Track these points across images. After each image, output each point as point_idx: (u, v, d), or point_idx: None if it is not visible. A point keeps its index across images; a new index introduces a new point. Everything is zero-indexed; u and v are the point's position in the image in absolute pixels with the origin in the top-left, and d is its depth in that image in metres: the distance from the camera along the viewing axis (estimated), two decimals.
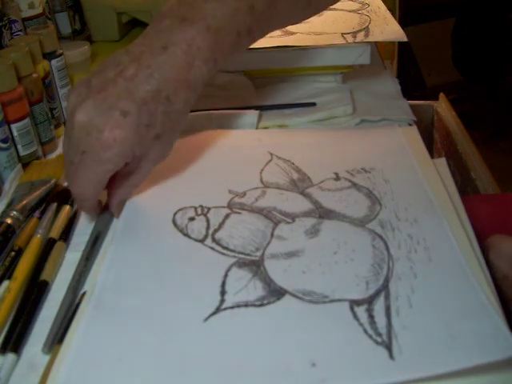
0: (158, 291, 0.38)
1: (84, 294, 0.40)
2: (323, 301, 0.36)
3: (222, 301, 0.37)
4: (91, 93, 0.41)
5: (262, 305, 0.36)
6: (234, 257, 0.40)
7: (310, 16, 0.54)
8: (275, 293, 0.37)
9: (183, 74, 0.42)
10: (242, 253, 0.41)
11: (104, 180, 0.43)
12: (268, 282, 0.38)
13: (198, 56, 0.42)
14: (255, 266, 0.39)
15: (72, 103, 0.42)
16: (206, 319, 0.35)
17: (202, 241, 0.42)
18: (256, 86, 0.69)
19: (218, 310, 0.36)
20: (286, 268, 0.39)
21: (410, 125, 0.58)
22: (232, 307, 0.36)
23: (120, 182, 0.46)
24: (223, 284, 0.38)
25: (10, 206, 0.49)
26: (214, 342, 0.34)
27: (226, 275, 0.39)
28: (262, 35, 0.48)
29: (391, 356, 0.32)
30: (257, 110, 0.62)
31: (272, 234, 0.42)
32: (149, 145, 0.43)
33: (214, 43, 0.43)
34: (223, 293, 0.37)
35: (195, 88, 0.43)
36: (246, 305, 0.36)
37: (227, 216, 0.45)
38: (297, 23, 0.54)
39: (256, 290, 0.37)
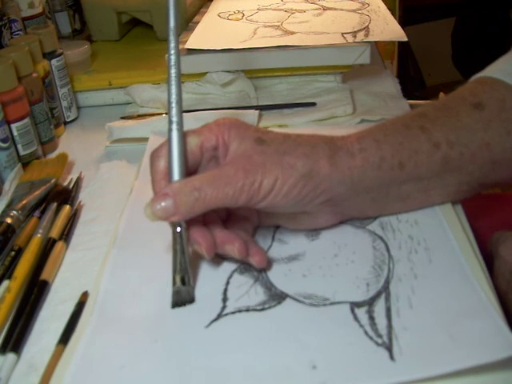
0: (160, 297, 0.38)
1: (85, 293, 0.40)
2: (324, 303, 0.36)
3: (224, 307, 0.37)
4: None
5: (263, 309, 0.36)
6: (236, 262, 0.40)
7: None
8: (276, 297, 0.37)
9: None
10: None
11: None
12: (269, 286, 0.38)
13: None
14: (256, 272, 0.39)
15: None
16: (208, 325, 0.35)
17: None
18: (256, 86, 0.69)
19: (219, 316, 0.36)
20: (287, 272, 0.39)
21: None
22: (233, 312, 0.36)
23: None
24: (225, 291, 0.38)
25: (10, 205, 0.49)
26: (215, 348, 0.34)
27: (227, 283, 0.39)
28: (452, 150, 0.40)
29: (392, 357, 0.32)
30: (257, 109, 0.63)
31: (273, 238, 0.42)
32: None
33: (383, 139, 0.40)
34: (225, 299, 0.37)
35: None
36: (247, 309, 0.36)
37: None
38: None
39: (257, 295, 0.37)
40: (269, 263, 0.40)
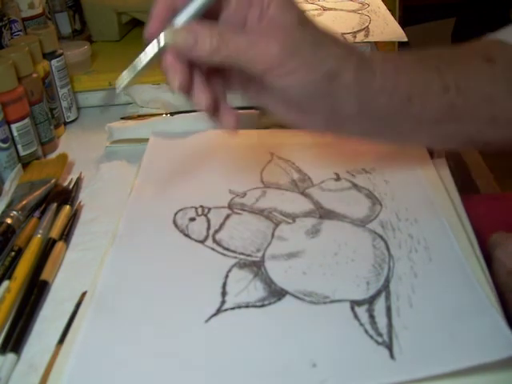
0: (159, 292, 0.38)
1: (84, 293, 0.40)
2: (324, 301, 0.36)
3: (223, 302, 0.37)
4: None
5: (262, 305, 0.36)
6: (235, 258, 0.40)
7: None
8: (276, 293, 0.37)
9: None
10: (242, 254, 0.41)
11: None
12: (269, 282, 0.38)
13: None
14: (256, 267, 0.39)
15: None
16: (207, 320, 0.35)
17: (202, 241, 0.42)
18: None
19: (218, 311, 0.36)
20: (287, 269, 0.39)
21: None
22: (233, 308, 0.36)
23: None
24: (224, 285, 0.38)
25: (10, 206, 0.49)
26: (215, 343, 0.34)
27: (226, 276, 0.39)
28: (460, 95, 0.41)
29: (392, 356, 0.32)
30: (257, 110, 0.62)
31: (273, 235, 0.42)
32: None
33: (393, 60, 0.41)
34: (224, 294, 0.37)
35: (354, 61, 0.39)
36: (247, 306, 0.36)
37: (228, 216, 0.45)
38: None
39: (257, 290, 0.37)
40: (269, 259, 0.40)
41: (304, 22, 0.37)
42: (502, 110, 0.41)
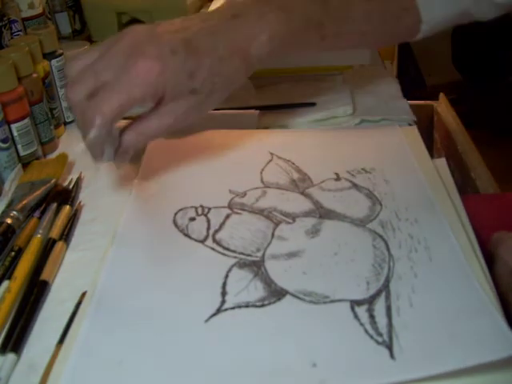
0: (159, 292, 0.38)
1: (84, 293, 0.40)
2: (324, 301, 0.36)
3: (223, 301, 0.37)
4: (150, 24, 0.42)
5: (262, 305, 0.36)
6: (235, 257, 0.40)
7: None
8: (276, 293, 0.37)
9: (245, 43, 0.43)
10: (242, 253, 0.41)
11: (123, 109, 0.41)
12: (269, 282, 0.38)
13: (265, 30, 0.43)
14: (256, 267, 0.39)
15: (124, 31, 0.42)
16: (207, 320, 0.35)
17: (202, 241, 0.42)
18: (256, 86, 0.69)
19: (218, 310, 0.36)
20: (287, 268, 0.39)
21: (410, 125, 0.58)
22: (233, 308, 0.36)
23: (135, 125, 0.45)
24: (224, 285, 0.38)
25: (10, 205, 0.49)
26: (214, 343, 0.34)
27: (226, 276, 0.39)
28: (335, 39, 0.47)
29: (392, 356, 0.32)
30: (257, 110, 0.62)
31: (273, 235, 0.42)
32: (180, 95, 0.42)
33: (284, 23, 0.44)
34: (224, 293, 0.37)
35: (251, 62, 0.44)
36: (247, 305, 0.36)
37: (228, 216, 0.45)
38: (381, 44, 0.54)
39: (257, 290, 0.37)
40: (269, 259, 0.40)
41: (193, 91, 0.43)
42: (371, 40, 0.48)
